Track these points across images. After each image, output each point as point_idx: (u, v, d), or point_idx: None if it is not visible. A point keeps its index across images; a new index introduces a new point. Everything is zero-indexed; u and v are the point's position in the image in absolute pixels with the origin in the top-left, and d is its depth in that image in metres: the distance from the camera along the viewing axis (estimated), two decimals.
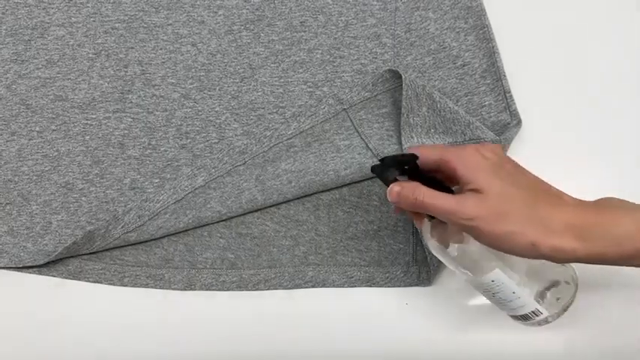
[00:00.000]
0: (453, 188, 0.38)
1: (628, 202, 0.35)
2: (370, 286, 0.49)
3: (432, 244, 0.41)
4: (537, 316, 0.40)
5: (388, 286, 0.49)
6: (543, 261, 0.36)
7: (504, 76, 0.51)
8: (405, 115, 0.48)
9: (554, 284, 0.40)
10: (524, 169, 0.38)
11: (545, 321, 0.40)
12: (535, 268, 0.39)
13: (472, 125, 0.48)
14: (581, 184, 0.51)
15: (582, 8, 0.55)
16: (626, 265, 0.34)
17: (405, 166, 0.37)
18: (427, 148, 0.38)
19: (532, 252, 0.34)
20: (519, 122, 0.50)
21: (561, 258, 0.34)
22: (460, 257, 0.40)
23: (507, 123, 0.50)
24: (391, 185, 0.38)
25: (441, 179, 0.38)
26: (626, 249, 0.33)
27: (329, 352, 0.48)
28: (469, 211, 0.34)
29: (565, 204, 0.35)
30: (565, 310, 0.40)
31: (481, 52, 0.52)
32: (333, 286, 0.49)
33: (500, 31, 0.53)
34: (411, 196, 0.37)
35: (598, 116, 0.52)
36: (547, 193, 0.36)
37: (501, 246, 0.35)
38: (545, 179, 0.52)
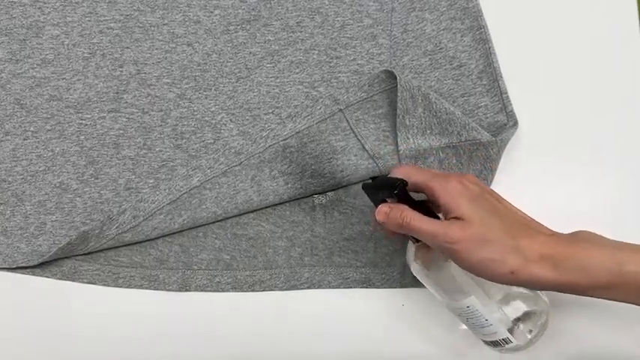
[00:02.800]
0: (439, 215, 0.40)
1: (601, 236, 0.37)
2: (366, 288, 0.49)
3: (415, 267, 0.42)
4: (507, 344, 0.41)
5: (384, 287, 0.49)
6: (519, 290, 0.40)
7: (501, 77, 0.51)
8: (400, 117, 0.48)
9: (528, 314, 0.41)
10: (504, 199, 0.40)
11: (516, 349, 0.41)
12: (510, 296, 0.41)
13: (468, 126, 0.48)
14: (577, 185, 0.51)
15: (579, 9, 0.55)
16: (597, 297, 0.36)
17: (394, 191, 0.39)
18: (414, 171, 0.40)
19: (510, 279, 0.36)
20: (516, 123, 0.50)
21: (537, 286, 0.37)
22: (440, 281, 0.41)
23: (504, 124, 0.50)
24: (380, 206, 0.40)
25: (428, 205, 0.40)
26: (596, 280, 0.35)
27: (325, 354, 0.48)
28: (453, 234, 0.36)
29: (542, 235, 0.37)
30: (536, 338, 0.42)
31: (477, 53, 0.52)
32: (329, 288, 0.49)
33: (497, 32, 0.53)
34: (398, 218, 0.39)
35: (595, 117, 0.52)
36: (525, 224, 0.38)
37: (481, 272, 0.36)
38: (541, 180, 0.52)
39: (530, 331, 0.41)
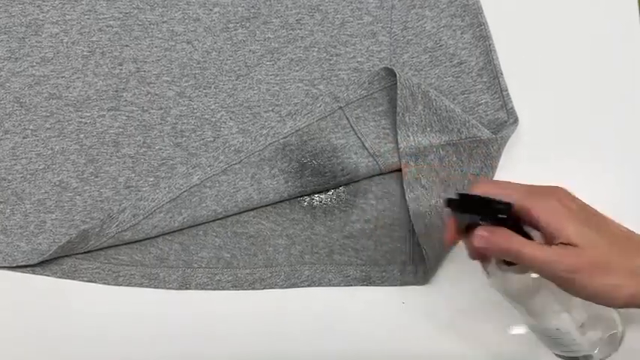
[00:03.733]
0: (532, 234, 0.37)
1: None
2: (367, 285, 0.49)
3: (507, 290, 0.39)
4: (587, 359, 0.41)
5: (385, 285, 0.49)
6: (604, 307, 0.37)
7: (501, 74, 0.51)
8: (400, 114, 0.48)
9: (608, 329, 0.41)
10: (604, 216, 0.37)
11: None
12: (595, 314, 0.40)
13: (468, 124, 0.48)
14: (578, 181, 0.51)
15: (579, 6, 0.55)
16: None
17: (499, 214, 0.35)
18: (502, 188, 0.37)
19: (631, 303, 0.34)
20: (516, 120, 0.50)
21: None
22: (531, 304, 0.39)
23: (504, 121, 0.50)
24: (479, 230, 0.36)
25: (521, 225, 0.36)
26: None
27: (325, 352, 0.48)
28: (569, 262, 0.33)
29: None
30: (614, 351, 0.41)
31: (478, 50, 0.52)
32: (330, 286, 0.49)
33: (497, 29, 0.52)
34: (503, 244, 0.35)
35: (595, 113, 0.52)
36: (633, 241, 0.36)
37: (601, 299, 0.34)
38: (542, 177, 0.52)
39: (610, 345, 0.41)
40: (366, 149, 0.49)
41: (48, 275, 0.49)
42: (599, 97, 0.53)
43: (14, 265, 0.48)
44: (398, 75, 0.48)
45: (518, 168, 0.51)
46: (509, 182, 0.38)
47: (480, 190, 0.37)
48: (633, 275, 0.33)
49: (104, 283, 0.49)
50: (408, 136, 0.48)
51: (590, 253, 0.34)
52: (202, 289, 0.49)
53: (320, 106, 0.50)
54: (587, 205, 0.37)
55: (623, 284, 0.33)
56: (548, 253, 0.34)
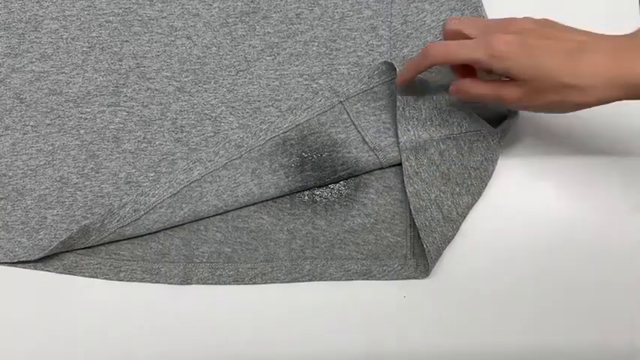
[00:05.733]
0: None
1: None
2: (367, 279, 0.49)
3: None
4: None
5: (385, 279, 0.49)
6: None
7: None
8: (400, 108, 0.48)
9: None
10: (550, 32, 0.39)
11: None
12: None
13: (469, 117, 0.48)
14: (578, 175, 0.51)
15: (579, 4, 0.55)
16: None
17: None
18: (464, 25, 0.43)
19: (579, 109, 0.39)
20: (516, 114, 0.50)
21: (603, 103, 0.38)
22: None
23: (504, 114, 0.50)
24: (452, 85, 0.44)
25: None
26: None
27: (326, 346, 0.48)
28: (509, 96, 0.39)
29: (590, 56, 0.37)
30: None
31: None
32: (330, 280, 0.49)
33: None
34: (462, 90, 0.43)
35: (595, 108, 0.52)
36: (575, 50, 0.38)
37: (551, 112, 0.40)
38: (542, 170, 0.52)
39: None
40: (367, 143, 0.49)
41: (49, 271, 0.49)
42: None
43: (15, 260, 0.49)
44: (398, 69, 0.48)
45: (518, 161, 0.51)
46: (470, 21, 0.43)
47: (440, 58, 0.42)
48: (572, 90, 0.37)
49: (105, 279, 0.49)
50: (409, 130, 0.48)
51: (528, 86, 0.38)
52: (204, 283, 0.49)
53: (320, 101, 0.50)
54: (535, 29, 0.40)
55: (565, 99, 0.37)
56: (489, 88, 0.40)
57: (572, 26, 0.40)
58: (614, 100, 0.37)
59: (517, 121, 0.50)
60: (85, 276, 0.49)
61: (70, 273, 0.49)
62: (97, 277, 0.49)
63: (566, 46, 0.37)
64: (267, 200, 0.50)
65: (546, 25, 0.40)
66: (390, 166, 0.50)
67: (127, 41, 0.53)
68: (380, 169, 0.50)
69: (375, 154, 0.49)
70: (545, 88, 0.37)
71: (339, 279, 0.49)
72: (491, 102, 0.42)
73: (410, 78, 0.45)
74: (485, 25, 0.42)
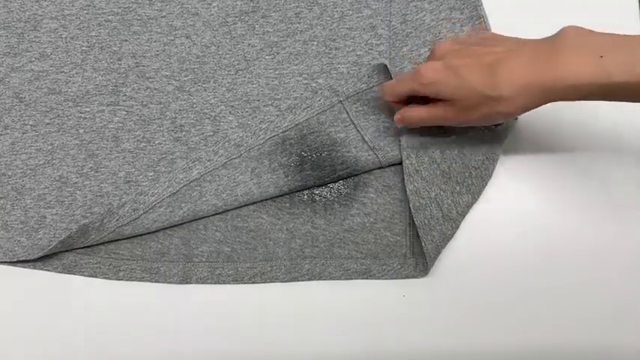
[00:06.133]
0: None
1: (580, 36, 0.38)
2: (367, 279, 0.49)
3: None
4: None
5: (385, 279, 0.49)
6: None
7: None
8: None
9: None
10: (475, 48, 0.41)
11: None
12: None
13: None
14: (578, 174, 0.51)
15: (579, 2, 0.54)
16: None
17: None
18: (395, 86, 0.45)
19: (510, 118, 0.43)
20: None
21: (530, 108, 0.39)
22: None
23: None
24: (396, 114, 0.46)
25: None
26: (585, 95, 0.37)
27: (326, 345, 0.48)
28: (443, 116, 0.42)
29: (519, 64, 0.38)
30: None
31: None
32: (330, 279, 0.49)
33: (496, 22, 0.52)
34: (404, 117, 0.45)
35: (595, 107, 0.52)
36: (493, 64, 0.39)
37: (485, 124, 0.45)
38: (542, 169, 0.52)
39: None
40: (366, 143, 0.49)
41: (49, 270, 0.49)
42: None
43: (15, 260, 0.48)
44: (392, 70, 0.48)
45: (519, 160, 0.51)
46: (401, 78, 0.44)
47: (388, 96, 0.46)
48: (499, 101, 0.38)
49: (105, 278, 0.49)
50: (407, 130, 0.48)
51: (459, 104, 0.40)
52: (203, 283, 0.49)
53: (320, 100, 0.50)
54: (459, 49, 0.42)
55: (494, 113, 0.39)
56: (425, 112, 0.43)
57: (510, 35, 0.42)
58: (538, 106, 0.38)
59: (518, 122, 0.50)
60: (85, 275, 0.49)
61: (69, 272, 0.49)
62: (96, 277, 0.49)
63: (486, 60, 0.39)
64: (266, 200, 0.50)
65: (472, 42, 0.42)
66: (389, 166, 0.50)
67: (126, 40, 0.53)
68: (379, 168, 0.50)
69: (375, 154, 0.49)
70: (475, 104, 0.39)
71: (339, 278, 0.49)
72: (433, 123, 0.44)
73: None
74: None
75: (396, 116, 0.46)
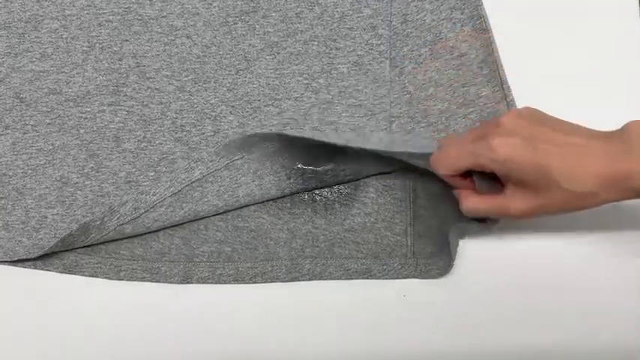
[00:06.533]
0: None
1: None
2: (367, 279, 0.49)
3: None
4: None
5: (385, 278, 0.49)
6: None
7: (501, 66, 0.51)
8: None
9: None
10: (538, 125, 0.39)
11: None
12: None
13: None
14: None
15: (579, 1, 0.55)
16: None
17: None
18: (452, 159, 0.40)
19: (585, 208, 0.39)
20: None
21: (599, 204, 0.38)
22: None
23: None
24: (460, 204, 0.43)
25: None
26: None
27: (327, 345, 0.48)
28: (514, 211, 0.39)
29: (592, 164, 0.37)
30: None
31: (478, 42, 0.52)
32: (331, 279, 0.49)
33: (497, 21, 0.52)
34: (464, 207, 0.42)
35: (596, 106, 0.52)
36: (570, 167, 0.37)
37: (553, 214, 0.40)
38: None
39: None
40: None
41: (49, 270, 0.49)
42: (599, 90, 0.52)
43: (15, 259, 0.49)
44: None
45: None
46: (459, 143, 0.41)
47: (443, 170, 0.41)
48: (579, 198, 0.37)
49: (106, 278, 0.49)
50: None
51: (530, 190, 0.38)
52: (204, 283, 0.49)
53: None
54: (526, 126, 0.39)
55: (568, 201, 0.37)
56: (491, 203, 0.40)
57: (561, 118, 0.41)
58: (615, 201, 0.38)
59: None
60: (85, 275, 0.49)
61: (70, 272, 0.49)
62: (97, 277, 0.49)
63: (566, 151, 0.37)
64: (267, 200, 0.50)
65: (534, 121, 0.39)
66: (392, 171, 0.50)
67: (126, 40, 0.53)
68: (383, 173, 0.50)
69: (382, 161, 0.49)
70: (552, 195, 0.37)
71: (339, 278, 0.49)
72: (495, 215, 0.42)
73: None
74: (473, 131, 0.42)
75: (462, 207, 0.42)
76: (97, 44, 0.53)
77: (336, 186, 0.51)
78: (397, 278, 0.49)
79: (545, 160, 0.36)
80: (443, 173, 0.41)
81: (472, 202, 0.41)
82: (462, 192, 0.42)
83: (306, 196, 0.51)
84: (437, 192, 0.49)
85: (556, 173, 0.36)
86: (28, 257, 0.48)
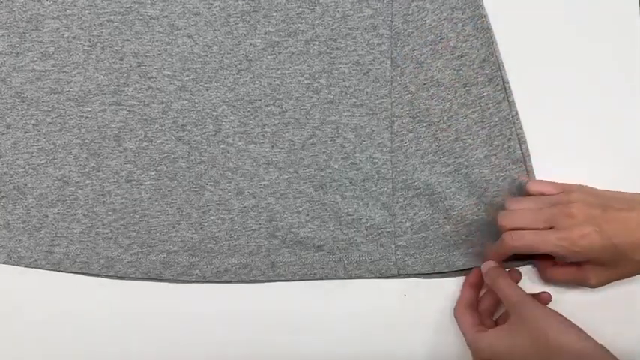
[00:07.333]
0: None
1: None
2: (365, 278, 0.49)
3: None
4: None
5: (384, 277, 0.49)
6: None
7: (502, 66, 0.51)
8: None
9: None
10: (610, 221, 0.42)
11: None
12: None
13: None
14: (577, 175, 0.51)
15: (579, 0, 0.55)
16: None
17: None
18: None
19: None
20: (517, 113, 0.50)
21: None
22: None
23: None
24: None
25: None
26: None
27: (327, 345, 0.48)
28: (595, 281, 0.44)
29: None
30: None
31: (479, 42, 0.52)
32: (330, 279, 0.49)
33: (497, 21, 0.52)
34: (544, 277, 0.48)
35: (596, 106, 0.52)
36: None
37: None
38: (541, 170, 0.52)
39: None
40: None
41: (49, 269, 0.49)
42: (599, 90, 0.52)
43: (16, 258, 0.49)
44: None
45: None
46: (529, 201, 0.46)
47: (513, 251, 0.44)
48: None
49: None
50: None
51: (606, 265, 0.42)
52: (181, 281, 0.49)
53: None
54: (598, 212, 0.42)
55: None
56: (573, 273, 0.45)
57: (611, 190, 0.45)
58: None
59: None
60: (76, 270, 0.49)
61: (67, 271, 0.49)
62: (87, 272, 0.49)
63: (626, 227, 0.41)
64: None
65: (597, 206, 0.43)
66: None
67: (128, 40, 0.53)
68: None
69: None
70: (620, 262, 0.42)
71: (339, 278, 0.49)
72: (574, 283, 0.47)
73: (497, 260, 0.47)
74: (545, 207, 0.44)
75: (542, 275, 0.48)
76: (99, 44, 0.53)
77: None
78: (396, 278, 0.49)
79: (614, 240, 0.41)
80: (518, 251, 0.44)
81: (554, 273, 0.46)
82: (541, 262, 0.47)
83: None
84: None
85: (624, 248, 0.41)
86: (30, 258, 0.49)
